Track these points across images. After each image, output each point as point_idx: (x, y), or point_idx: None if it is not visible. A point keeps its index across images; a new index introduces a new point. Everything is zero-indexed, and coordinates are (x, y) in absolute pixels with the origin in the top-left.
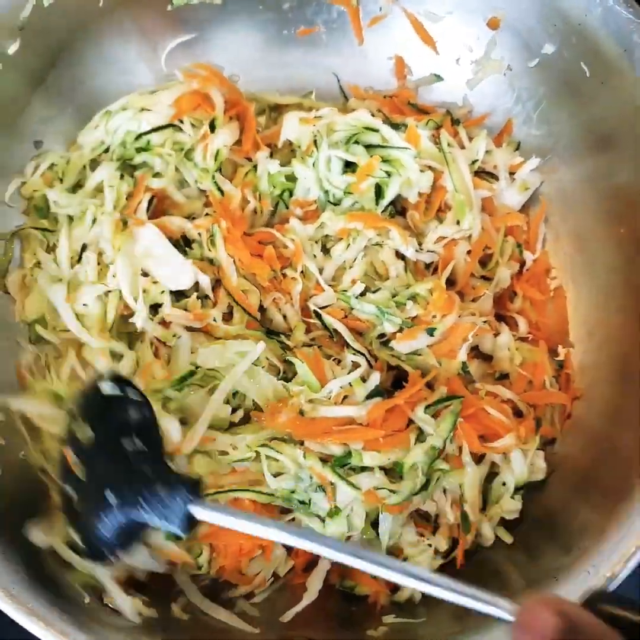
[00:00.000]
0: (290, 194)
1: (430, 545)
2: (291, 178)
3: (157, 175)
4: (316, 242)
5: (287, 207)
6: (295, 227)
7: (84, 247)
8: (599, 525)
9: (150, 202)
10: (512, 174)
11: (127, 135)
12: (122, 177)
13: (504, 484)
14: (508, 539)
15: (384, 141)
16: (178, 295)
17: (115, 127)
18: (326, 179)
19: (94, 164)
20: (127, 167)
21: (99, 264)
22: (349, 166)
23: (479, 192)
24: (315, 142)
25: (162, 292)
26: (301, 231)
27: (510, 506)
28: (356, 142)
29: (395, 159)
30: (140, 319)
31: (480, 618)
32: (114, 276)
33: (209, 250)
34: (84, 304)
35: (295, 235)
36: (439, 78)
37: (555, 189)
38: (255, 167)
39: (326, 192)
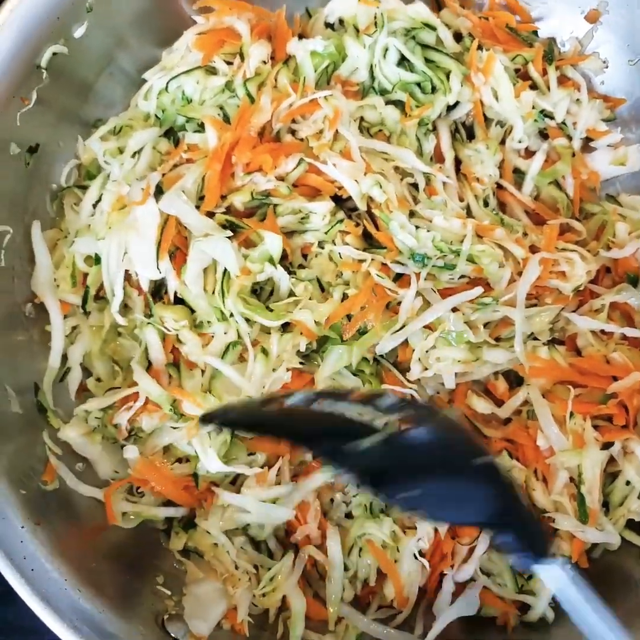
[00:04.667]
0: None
1: (555, 556)
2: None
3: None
4: (354, 120)
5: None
6: (337, 97)
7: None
8: None
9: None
10: (589, 140)
11: (163, 96)
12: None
13: (628, 483)
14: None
15: (439, 43)
16: None
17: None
18: (379, 65)
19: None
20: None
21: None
22: (402, 61)
23: (556, 140)
24: (375, 24)
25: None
26: (342, 102)
27: (637, 507)
28: (413, 37)
29: (445, 67)
30: (116, 306)
31: None
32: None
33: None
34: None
35: (336, 102)
36: None
37: None
38: (286, 62)
39: (373, 78)
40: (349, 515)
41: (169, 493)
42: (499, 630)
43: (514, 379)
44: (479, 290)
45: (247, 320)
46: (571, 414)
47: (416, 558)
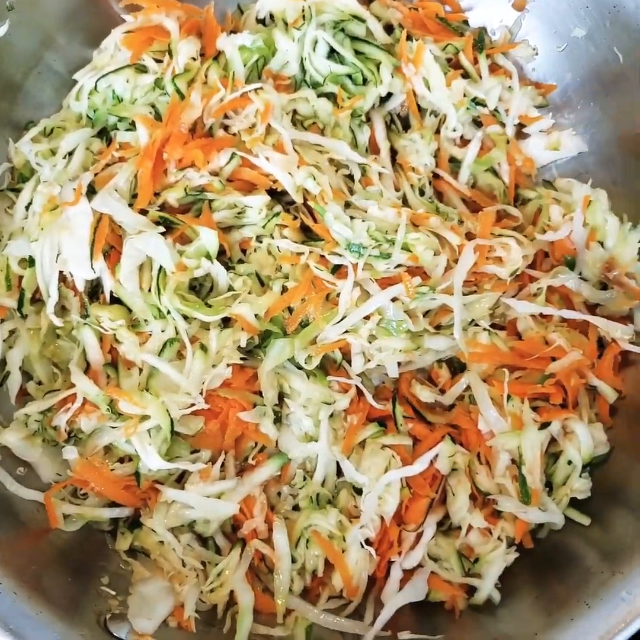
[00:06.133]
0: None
1: (500, 538)
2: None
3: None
4: (287, 113)
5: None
6: (268, 91)
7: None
8: None
9: None
10: (522, 126)
11: (94, 96)
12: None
13: (569, 462)
14: (585, 520)
15: (368, 34)
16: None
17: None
18: (309, 58)
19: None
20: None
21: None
22: (332, 53)
23: (490, 128)
24: (303, 17)
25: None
26: (273, 96)
27: (579, 485)
28: (342, 29)
29: (375, 59)
30: (51, 307)
31: (565, 612)
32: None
33: None
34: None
35: (267, 96)
36: None
37: None
38: (216, 58)
39: (304, 71)
40: (296, 508)
41: (110, 493)
42: (448, 614)
43: (458, 366)
44: (417, 280)
45: (185, 317)
46: (509, 397)
47: (363, 547)
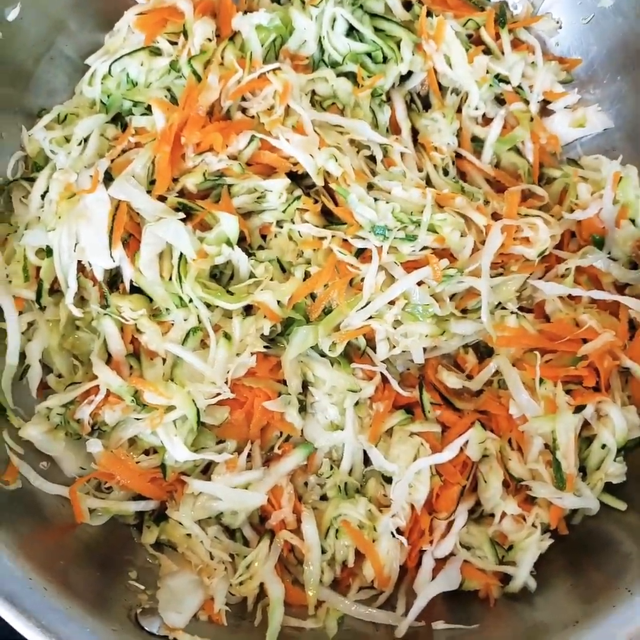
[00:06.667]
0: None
1: (534, 525)
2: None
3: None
4: (305, 94)
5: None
6: (286, 71)
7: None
8: None
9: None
10: (546, 103)
11: (107, 81)
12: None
13: (603, 446)
14: (621, 505)
15: (387, 11)
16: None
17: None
18: (328, 36)
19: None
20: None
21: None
22: (351, 31)
23: (514, 105)
24: None
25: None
26: (292, 76)
27: (614, 470)
28: (360, 6)
29: (395, 36)
30: (70, 298)
31: (605, 599)
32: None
33: None
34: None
35: (285, 76)
36: None
37: None
38: (231, 38)
39: (322, 51)
40: (324, 498)
41: (135, 486)
42: (482, 603)
43: (484, 350)
44: (444, 262)
45: (207, 305)
46: (541, 380)
47: (394, 536)
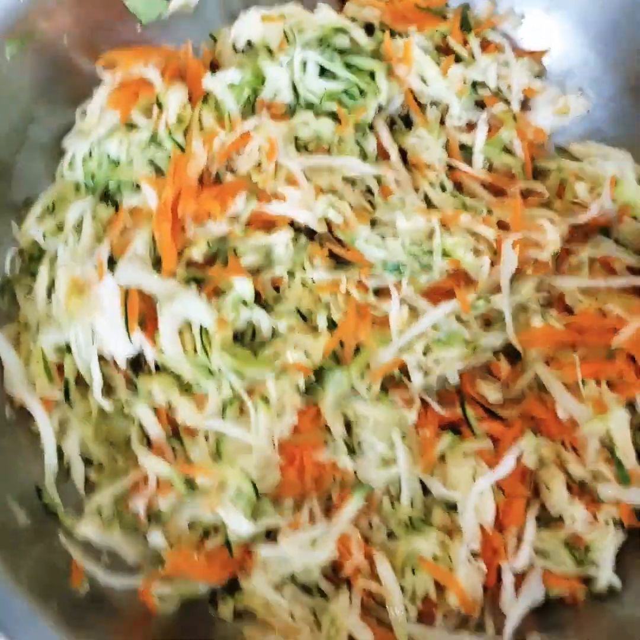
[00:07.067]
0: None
1: (607, 522)
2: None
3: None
4: (289, 142)
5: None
6: (266, 124)
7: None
8: None
9: None
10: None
11: (88, 163)
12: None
13: None
14: None
15: (354, 44)
16: None
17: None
18: (302, 81)
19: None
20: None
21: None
22: (324, 71)
23: (494, 107)
24: (287, 40)
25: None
26: (273, 129)
27: None
28: (328, 45)
29: (368, 68)
30: (97, 391)
31: None
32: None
33: None
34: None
35: (267, 130)
36: None
37: None
38: (205, 99)
39: (298, 95)
40: (391, 535)
41: (207, 578)
42: (568, 607)
43: (513, 352)
44: (472, 296)
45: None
46: (583, 381)
47: (470, 562)
